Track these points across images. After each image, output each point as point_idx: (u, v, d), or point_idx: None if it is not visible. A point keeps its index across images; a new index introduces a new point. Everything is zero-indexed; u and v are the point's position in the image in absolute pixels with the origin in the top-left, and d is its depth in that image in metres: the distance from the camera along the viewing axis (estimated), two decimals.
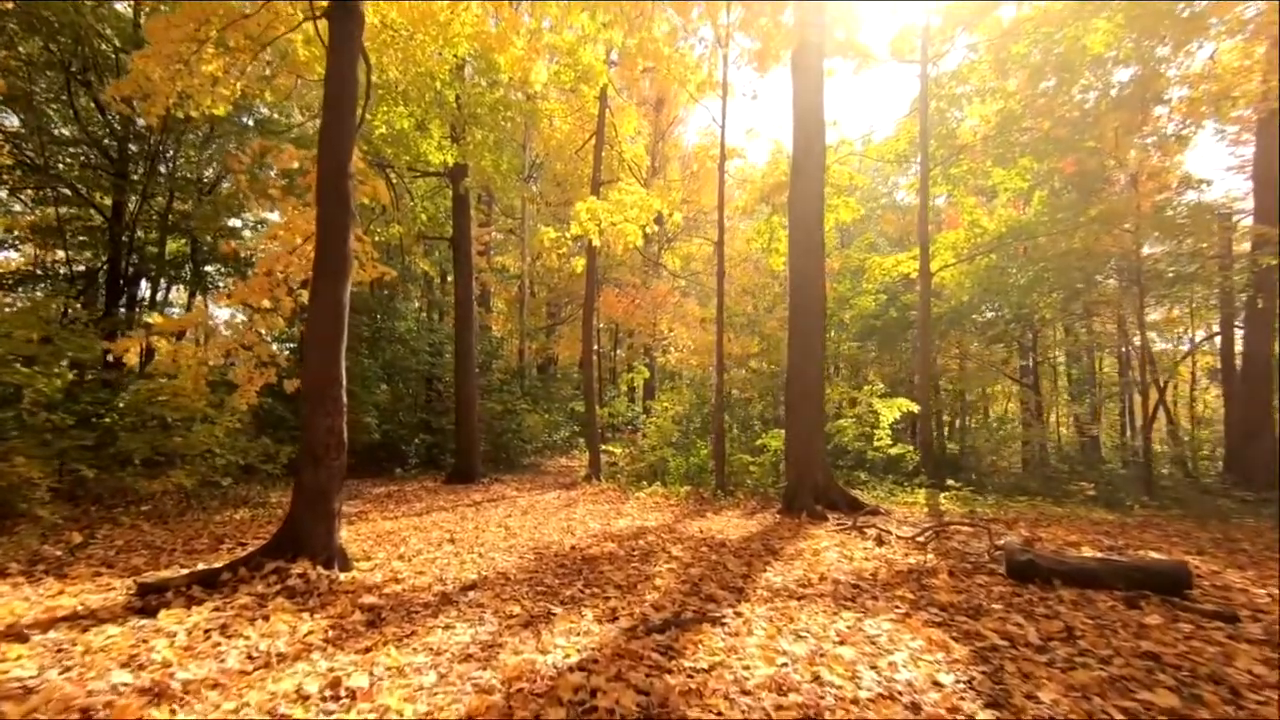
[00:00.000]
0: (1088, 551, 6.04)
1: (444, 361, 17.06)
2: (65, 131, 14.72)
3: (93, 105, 14.50)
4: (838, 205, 14.15)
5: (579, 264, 11.71)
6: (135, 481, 7.17)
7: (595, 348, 18.02)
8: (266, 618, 3.90)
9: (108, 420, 9.16)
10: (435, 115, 11.40)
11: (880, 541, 6.48)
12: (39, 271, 15.38)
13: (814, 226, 9.53)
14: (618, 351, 30.07)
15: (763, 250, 15.10)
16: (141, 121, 15.05)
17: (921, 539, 6.51)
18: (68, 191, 14.70)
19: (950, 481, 10.06)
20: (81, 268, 16.03)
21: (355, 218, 5.47)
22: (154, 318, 7.35)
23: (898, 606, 4.30)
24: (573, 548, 6.45)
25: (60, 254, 16.05)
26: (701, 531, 7.59)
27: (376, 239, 13.31)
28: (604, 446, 14.95)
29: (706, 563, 5.76)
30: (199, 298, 13.44)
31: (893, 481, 11.44)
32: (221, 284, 13.93)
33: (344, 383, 5.26)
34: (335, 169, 5.37)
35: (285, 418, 13.74)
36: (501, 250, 26.09)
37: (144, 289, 16.16)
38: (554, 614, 4.20)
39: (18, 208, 16.26)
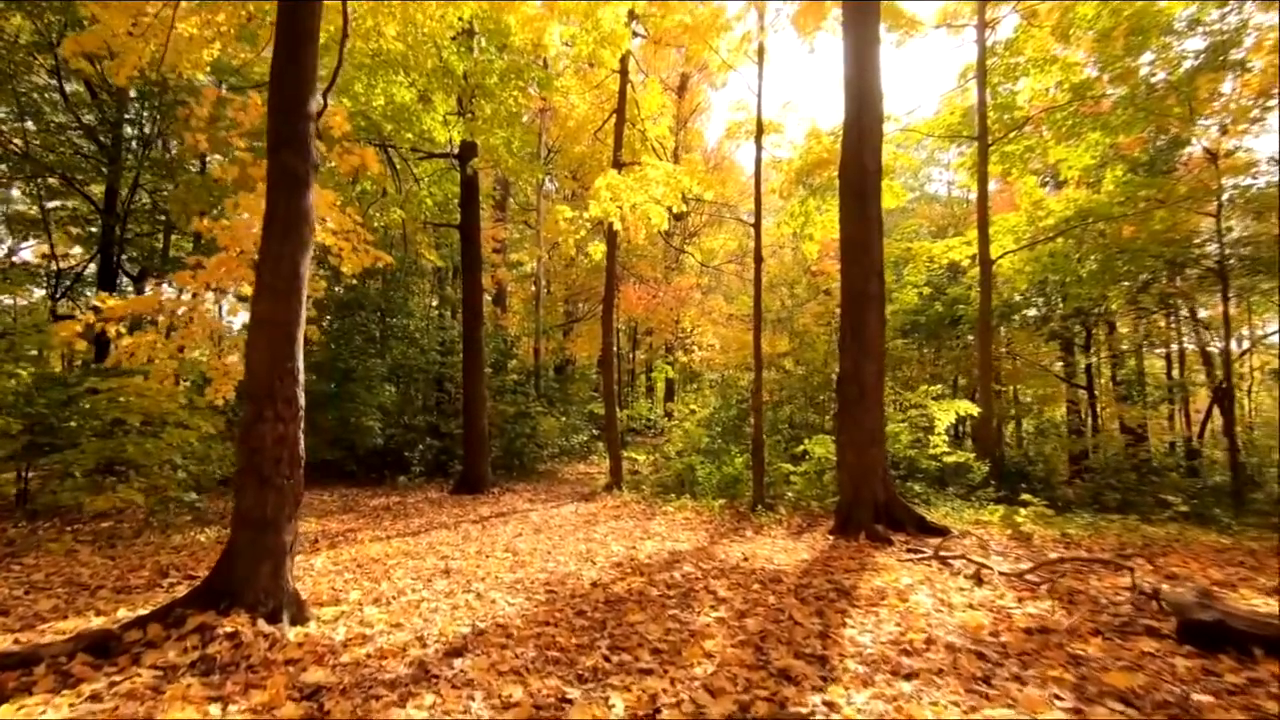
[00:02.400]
0: (1256, 598, 4.69)
1: (455, 361, 15.95)
2: (57, 119, 13.90)
3: (84, 88, 13.65)
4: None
5: (597, 250, 10.51)
6: (76, 497, 6.08)
7: (613, 347, 16.80)
8: (158, 714, 2.71)
9: (74, 424, 8.14)
10: (439, 86, 10.26)
11: (979, 580, 5.16)
12: (13, 263, 14.44)
13: (870, 196, 8.23)
14: (635, 353, 28.86)
15: (796, 236, 13.78)
16: (134, 108, 14.24)
17: (1032, 577, 5.18)
18: (54, 182, 13.86)
19: (1027, 496, 8.69)
20: (70, 263, 15.24)
21: (317, 167, 4.30)
22: (104, 299, 6.26)
23: (1058, 696, 3.01)
24: (594, 584, 5.21)
25: (44, 248, 15.28)
26: (746, 558, 6.32)
27: (376, 225, 12.21)
28: (625, 452, 13.73)
29: (764, 609, 4.50)
30: (161, 282, 12.44)
31: (954, 494, 10.07)
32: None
33: (300, 377, 4.08)
34: (289, 105, 4.20)
35: None
36: (517, 247, 25.01)
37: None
38: (569, 701, 2.98)
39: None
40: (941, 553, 6.01)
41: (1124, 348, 19.38)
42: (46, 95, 13.60)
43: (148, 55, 7.15)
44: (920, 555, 6.12)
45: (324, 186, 8.91)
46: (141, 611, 4.14)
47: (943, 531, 7.52)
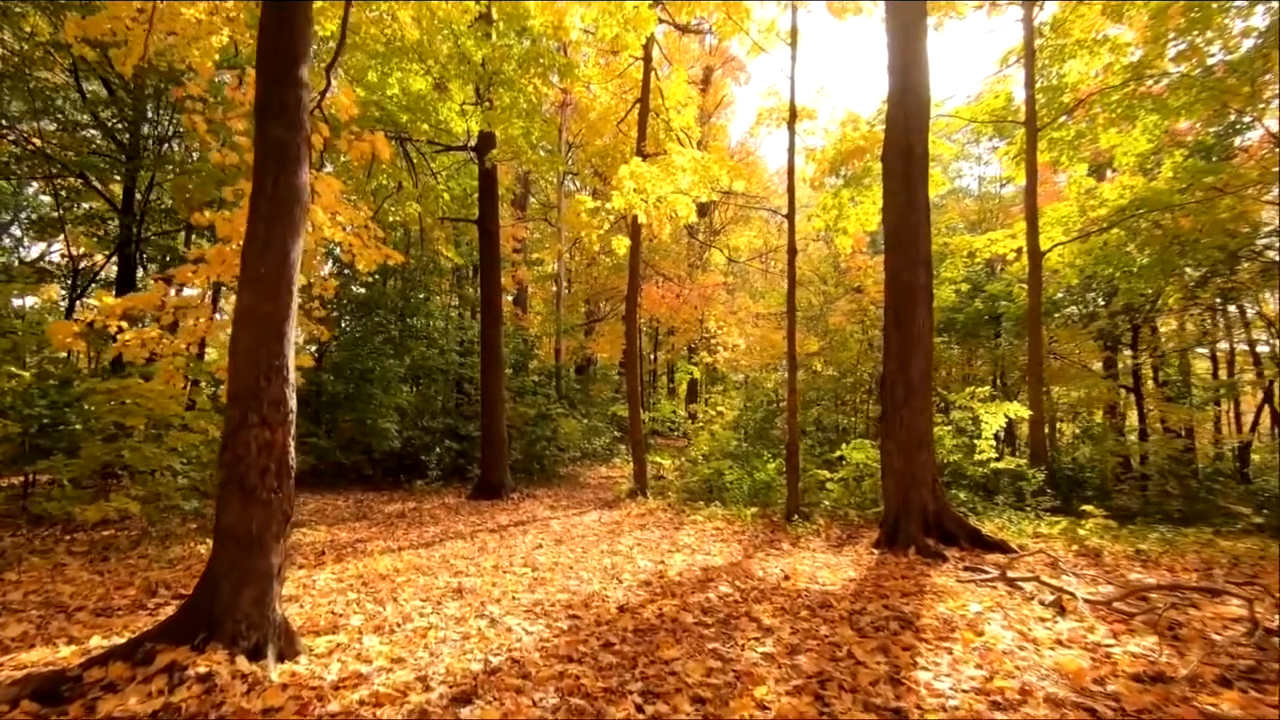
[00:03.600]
0: None
1: (474, 362, 15.52)
2: (76, 117, 13.76)
3: (102, 87, 13.48)
4: None
5: (621, 245, 9.98)
6: (64, 507, 5.70)
7: (637, 346, 16.16)
8: None
9: (77, 427, 7.82)
10: (455, 74, 9.81)
11: (1061, 609, 4.52)
12: (30, 265, 14.31)
13: (917, 180, 7.59)
14: (657, 353, 28.32)
15: (829, 230, 13.12)
16: (151, 105, 14.05)
17: (1122, 606, 4.53)
18: (73, 181, 13.71)
19: (1088, 507, 7.98)
20: (85, 263, 15.10)
21: (309, 141, 3.82)
22: (101, 297, 5.88)
23: None
24: (621, 608, 4.67)
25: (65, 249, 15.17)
26: (787, 576, 5.74)
27: (392, 220, 11.82)
28: (649, 456, 13.19)
29: (817, 642, 3.92)
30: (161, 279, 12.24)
31: (1005, 504, 9.37)
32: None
33: (291, 377, 3.60)
34: (278, 71, 3.73)
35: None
36: (538, 247, 24.61)
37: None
38: None
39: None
40: (1009, 574, 5.36)
41: (1171, 346, 18.40)
42: (65, 95, 13.48)
43: (155, 43, 6.78)
44: (984, 576, 5.48)
45: (336, 179, 8.51)
46: (117, 640, 3.71)
47: (1000, 546, 6.86)
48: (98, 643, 3.73)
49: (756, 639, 3.99)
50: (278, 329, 3.55)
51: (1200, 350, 20.37)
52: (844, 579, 5.72)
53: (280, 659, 3.41)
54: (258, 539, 3.39)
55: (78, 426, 7.69)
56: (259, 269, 3.55)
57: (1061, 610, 4.49)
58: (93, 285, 15.06)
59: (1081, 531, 7.37)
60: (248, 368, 3.49)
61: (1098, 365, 16.74)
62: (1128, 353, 16.37)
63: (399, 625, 4.16)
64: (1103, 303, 15.97)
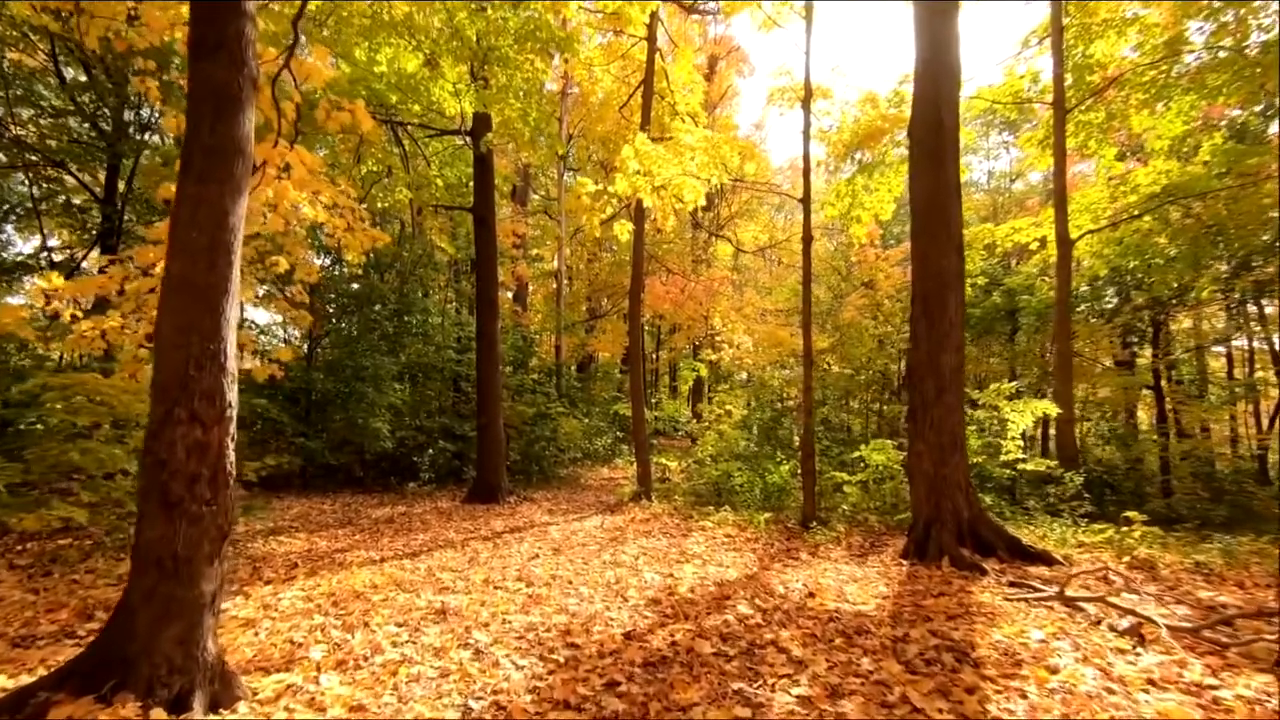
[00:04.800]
0: None
1: (472, 359, 14.87)
2: (55, 103, 13.17)
3: (81, 69, 12.88)
4: None
5: (624, 230, 9.36)
6: (2, 515, 5.09)
7: (640, 342, 15.39)
8: None
9: (39, 427, 7.23)
10: (448, 50, 9.20)
11: (1140, 638, 3.88)
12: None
13: (948, 157, 6.96)
14: (660, 352, 27.68)
15: (842, 219, 12.49)
16: (133, 92, 13.45)
17: (1210, 633, 3.90)
18: (52, 170, 13.12)
19: (1131, 513, 7.34)
20: (61, 256, 14.50)
21: (255, 82, 3.20)
22: (50, 278, 5.28)
23: None
24: (627, 635, 4.04)
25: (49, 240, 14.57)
26: (811, 593, 5.12)
27: (380, 206, 11.20)
28: (654, 458, 12.57)
29: (861, 680, 3.30)
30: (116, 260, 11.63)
31: (1036, 508, 8.73)
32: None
33: (231, 364, 2.99)
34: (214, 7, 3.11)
35: (279, 421, 11.76)
36: (539, 244, 24.01)
37: None
38: None
39: None
40: (1067, 592, 4.73)
41: (1193, 342, 17.75)
42: (43, 80, 12.89)
43: (120, 11, 6.16)
44: (1038, 595, 4.84)
45: (318, 158, 7.90)
46: (26, 679, 3.08)
47: (1043, 558, 6.23)
48: (2, 683, 3.11)
49: (788, 676, 3.37)
50: (213, 305, 2.93)
51: (1216, 348, 19.80)
52: (876, 596, 5.09)
53: (213, 708, 2.80)
54: (184, 562, 2.77)
55: (38, 427, 7.11)
56: (190, 233, 2.94)
57: (1141, 639, 3.85)
58: (70, 277, 14.43)
59: (1130, 540, 6.73)
60: (175, 353, 2.87)
61: (1108, 362, 16.13)
62: (1146, 349, 15.77)
63: (366, 659, 3.54)
64: (1118, 298, 15.36)
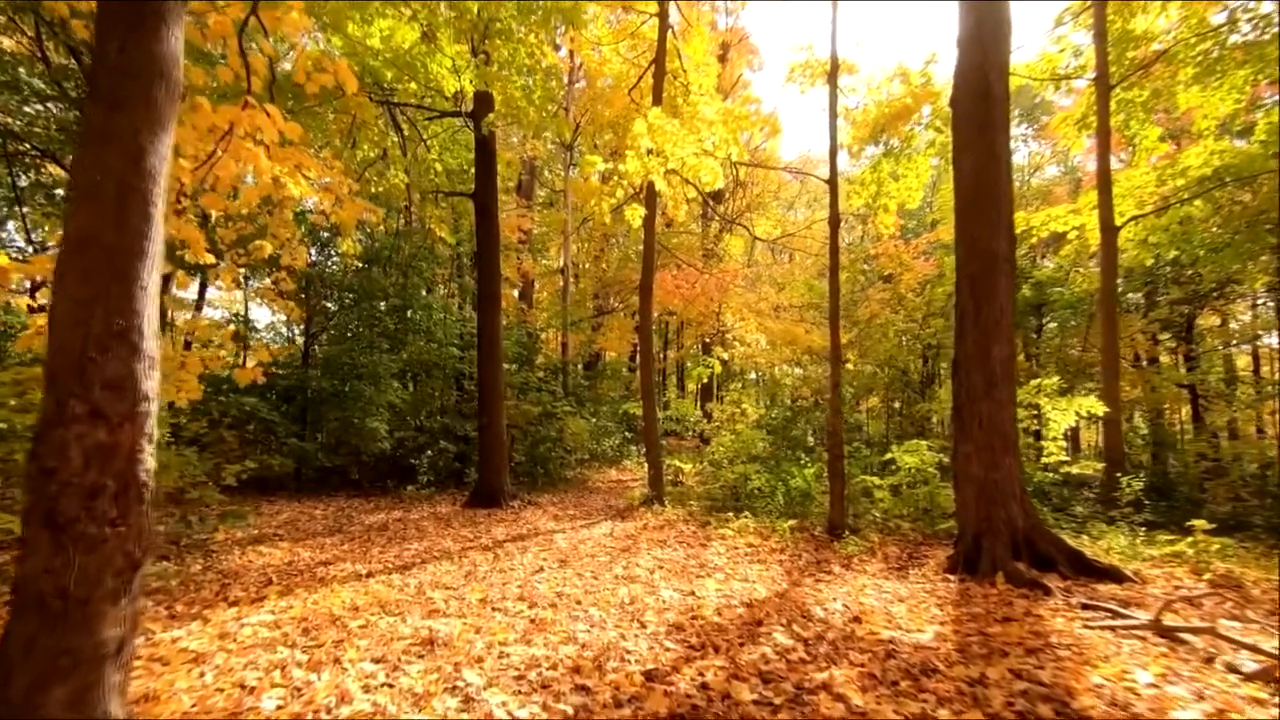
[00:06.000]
0: None
1: (475, 356, 14.27)
2: (38, 87, 12.63)
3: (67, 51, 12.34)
4: None
5: (635, 214, 8.69)
6: None
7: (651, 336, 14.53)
8: None
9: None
10: (445, 22, 8.57)
11: (1276, 682, 3.19)
12: None
13: (997, 127, 6.28)
14: (667, 352, 27.00)
15: (866, 207, 11.79)
16: None
17: None
18: (35, 156, 12.57)
19: (1197, 521, 6.62)
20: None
21: None
22: None
23: None
24: (648, 676, 3.37)
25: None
26: (856, 618, 4.45)
27: (376, 190, 10.56)
28: (666, 459, 11.90)
29: None
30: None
31: (1084, 513, 8.02)
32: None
33: (149, 348, 2.34)
34: None
35: (272, 421, 11.15)
36: (544, 241, 23.37)
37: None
38: None
39: None
40: (1163, 620, 4.03)
41: (1222, 340, 16.95)
42: (28, 66, 12.33)
43: None
44: (1126, 623, 4.15)
45: (313, 139, 7.30)
46: None
47: (1111, 574, 5.54)
48: None
49: None
50: (122, 270, 2.28)
51: (1243, 347, 19.01)
52: (931, 622, 4.41)
53: None
54: (78, 602, 2.13)
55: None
56: (93, 176, 2.29)
57: (1277, 684, 3.16)
58: None
59: (1204, 554, 6.00)
60: (72, 331, 2.23)
61: (1135, 358, 15.38)
62: (1183, 344, 15.02)
63: (329, 711, 2.88)
64: (1152, 291, 14.60)
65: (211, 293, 18.80)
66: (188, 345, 12.19)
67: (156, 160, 2.38)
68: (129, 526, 2.24)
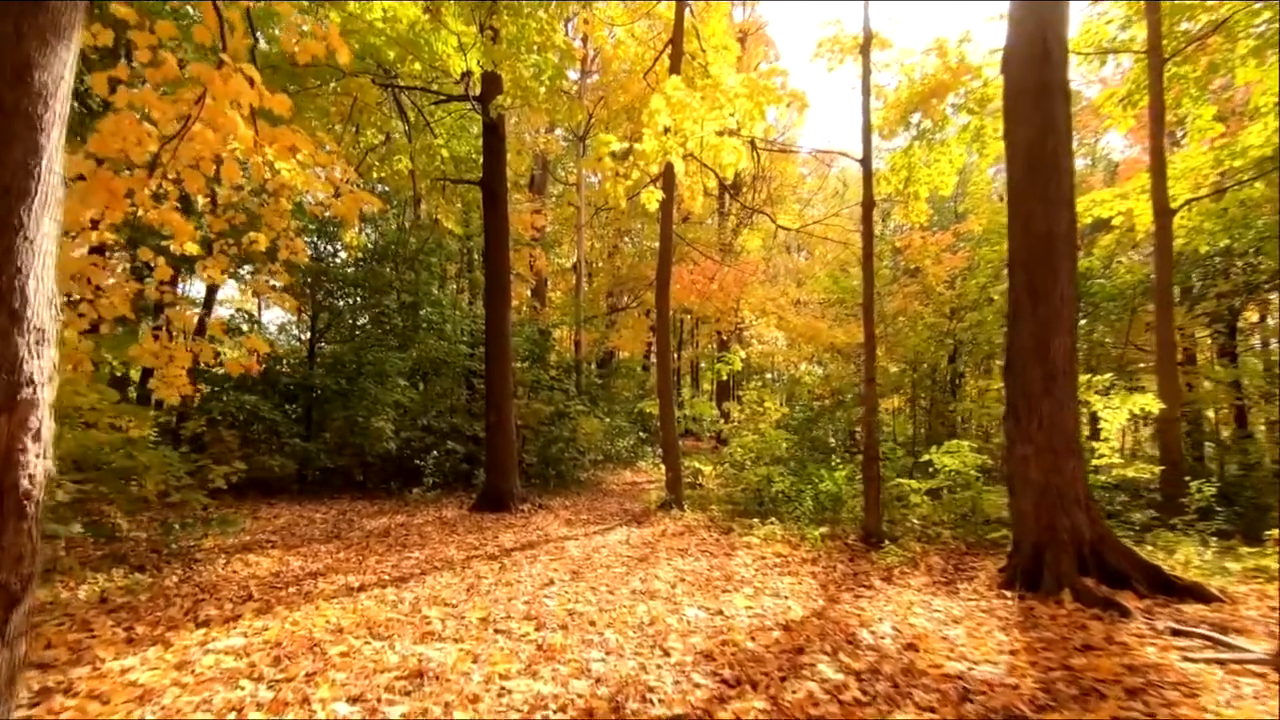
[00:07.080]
0: None
1: (484, 353, 13.77)
2: None
3: None
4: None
5: (652, 198, 8.14)
6: None
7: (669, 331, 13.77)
8: None
9: None
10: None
11: None
12: None
13: (1056, 93, 5.65)
14: (681, 353, 26.39)
15: (897, 194, 11.15)
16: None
17: None
18: None
19: (1276, 531, 5.97)
20: None
21: None
22: None
23: None
24: None
25: None
26: (910, 643, 3.86)
27: (378, 176, 10.09)
28: (684, 460, 11.32)
29: None
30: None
31: (1142, 521, 7.34)
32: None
33: (35, 317, 1.80)
34: None
35: (274, 421, 10.71)
36: (558, 239, 22.89)
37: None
38: None
39: None
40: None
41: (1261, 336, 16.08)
42: None
43: None
44: (1236, 654, 3.52)
45: (311, 124, 6.89)
46: None
47: (1194, 592, 4.90)
48: None
49: None
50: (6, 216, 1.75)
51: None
52: (999, 650, 3.81)
53: None
54: None
55: None
56: None
57: None
58: None
59: None
60: None
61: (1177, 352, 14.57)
62: (1228, 339, 14.19)
63: None
64: (1202, 281, 13.81)
65: (222, 294, 18.48)
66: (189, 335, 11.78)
67: (48, 77, 1.86)
68: (2, 551, 1.71)
